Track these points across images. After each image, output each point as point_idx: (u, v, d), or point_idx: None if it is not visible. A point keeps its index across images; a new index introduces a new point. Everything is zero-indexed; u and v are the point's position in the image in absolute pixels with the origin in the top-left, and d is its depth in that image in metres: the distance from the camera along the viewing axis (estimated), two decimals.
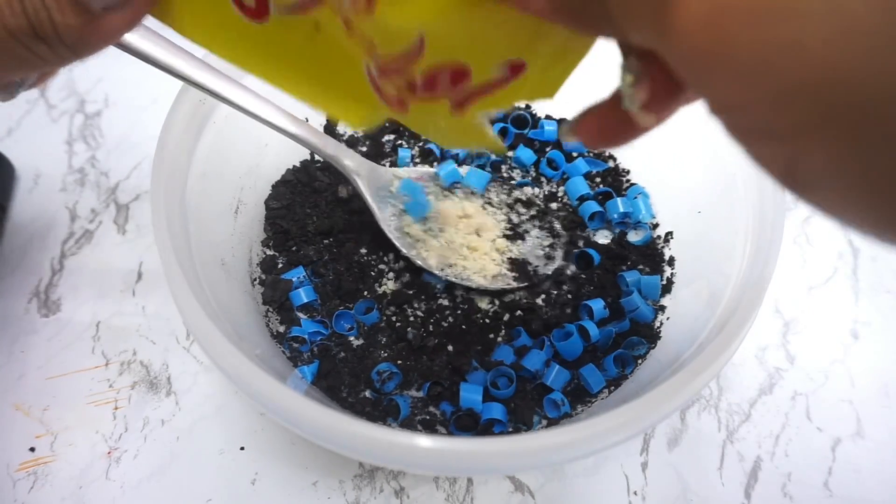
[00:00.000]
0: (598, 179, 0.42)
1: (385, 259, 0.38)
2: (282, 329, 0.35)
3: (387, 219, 0.36)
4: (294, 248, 0.38)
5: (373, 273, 0.37)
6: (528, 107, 0.44)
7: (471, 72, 0.20)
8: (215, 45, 0.21)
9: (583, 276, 0.38)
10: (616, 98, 0.18)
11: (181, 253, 0.28)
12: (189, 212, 0.30)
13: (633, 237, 0.40)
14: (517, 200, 0.39)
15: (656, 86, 0.16)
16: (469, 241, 0.37)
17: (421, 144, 0.43)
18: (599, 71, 0.21)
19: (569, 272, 0.38)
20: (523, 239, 0.38)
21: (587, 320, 0.35)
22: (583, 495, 0.34)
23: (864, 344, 0.39)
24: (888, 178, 0.12)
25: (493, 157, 0.42)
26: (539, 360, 0.34)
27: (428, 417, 0.33)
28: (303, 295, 0.36)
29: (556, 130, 0.43)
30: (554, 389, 0.33)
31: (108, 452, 0.34)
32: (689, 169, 0.37)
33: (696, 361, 0.25)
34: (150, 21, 0.20)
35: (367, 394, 0.34)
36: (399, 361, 0.34)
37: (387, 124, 0.43)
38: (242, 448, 0.34)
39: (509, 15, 0.17)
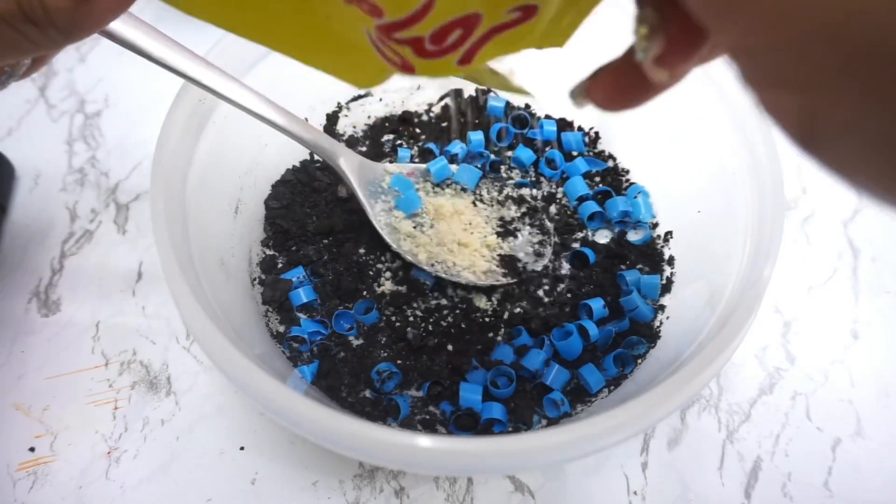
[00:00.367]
0: (597, 179, 0.42)
1: (384, 259, 0.38)
2: (281, 329, 0.35)
3: (377, 214, 0.37)
4: (294, 248, 0.38)
5: (371, 273, 0.37)
6: (527, 106, 0.44)
7: (482, 18, 0.19)
8: (214, 14, 0.20)
9: (582, 275, 0.38)
10: (629, 56, 0.18)
11: (180, 253, 0.28)
12: (188, 211, 0.30)
13: (633, 236, 0.40)
14: (508, 197, 0.39)
15: (671, 38, 0.16)
16: (459, 237, 0.37)
17: (420, 144, 0.43)
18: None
19: (565, 271, 0.38)
20: (514, 236, 0.38)
21: (586, 319, 0.35)
22: (583, 495, 0.33)
23: (864, 344, 0.39)
24: None
25: (493, 157, 0.42)
26: (539, 360, 0.34)
27: (428, 417, 0.33)
28: (302, 295, 0.36)
29: (556, 130, 0.43)
30: (554, 389, 0.33)
31: (108, 452, 0.34)
32: (688, 168, 0.37)
33: (696, 361, 0.25)
34: (147, 13, 0.20)
35: (367, 393, 0.34)
36: (399, 361, 0.35)
37: (386, 124, 0.43)
38: (242, 448, 0.34)
39: None
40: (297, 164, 0.41)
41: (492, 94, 0.44)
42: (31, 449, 0.34)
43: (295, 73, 0.26)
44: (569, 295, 0.37)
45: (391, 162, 0.42)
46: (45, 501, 0.33)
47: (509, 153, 0.43)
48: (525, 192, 0.40)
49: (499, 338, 0.35)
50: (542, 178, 0.42)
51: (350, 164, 0.36)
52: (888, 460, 0.35)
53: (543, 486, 0.34)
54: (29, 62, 0.24)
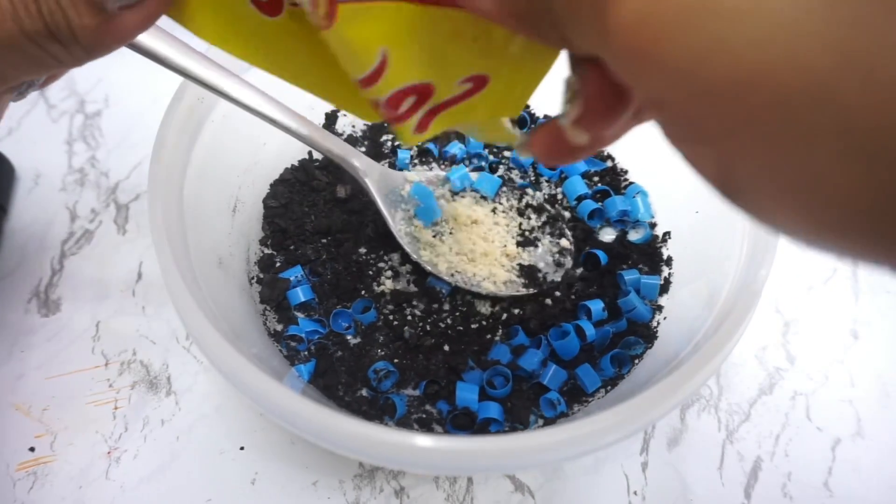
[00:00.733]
0: (596, 179, 0.42)
1: (384, 258, 0.38)
2: (279, 328, 0.35)
3: (397, 223, 0.36)
4: (292, 248, 0.38)
5: (370, 272, 0.37)
6: (527, 106, 0.44)
7: (434, 89, 0.20)
8: (230, 43, 0.21)
9: (584, 275, 0.38)
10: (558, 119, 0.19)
11: (178, 252, 0.28)
12: (186, 210, 0.30)
13: (633, 236, 0.40)
14: (528, 206, 0.39)
15: (591, 103, 0.17)
16: (479, 246, 0.37)
17: (419, 144, 0.43)
18: None
19: (577, 273, 0.38)
20: (534, 245, 0.38)
21: (584, 320, 0.35)
22: (583, 495, 0.33)
23: (864, 344, 0.39)
24: (817, 181, 0.11)
25: (491, 157, 0.42)
26: (535, 360, 0.34)
27: (424, 416, 0.33)
28: (300, 294, 0.36)
29: None
30: (551, 389, 0.33)
31: (108, 452, 0.34)
32: (686, 168, 0.37)
33: (693, 361, 0.25)
34: (160, 20, 0.20)
35: (364, 392, 0.34)
36: (396, 360, 0.35)
37: (385, 124, 0.43)
38: (242, 448, 0.34)
39: (466, 24, 0.18)
40: (296, 164, 0.41)
41: None
42: (31, 449, 0.34)
43: None
44: (572, 296, 0.37)
45: (391, 162, 0.42)
46: (45, 501, 0.33)
47: (508, 154, 0.43)
48: (539, 196, 0.40)
49: (496, 338, 0.35)
50: (541, 179, 0.42)
51: (371, 173, 0.35)
52: (888, 460, 0.35)
53: (543, 486, 0.34)
54: (46, 75, 0.24)
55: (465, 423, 0.33)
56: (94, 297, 0.39)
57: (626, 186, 0.41)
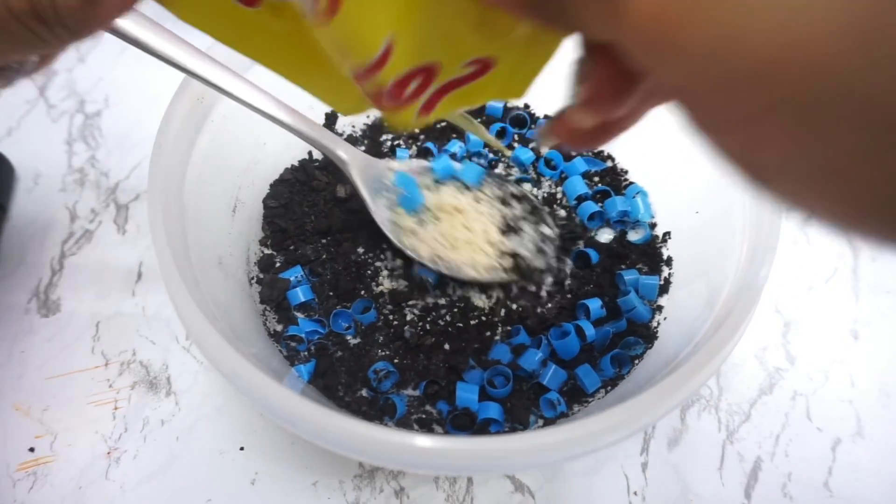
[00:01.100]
0: (596, 179, 0.42)
1: (382, 257, 0.38)
2: (279, 328, 0.35)
3: (380, 210, 0.36)
4: (292, 248, 0.38)
5: (370, 272, 0.37)
6: (526, 106, 0.44)
7: (440, 69, 0.20)
8: (211, 28, 0.21)
9: (582, 274, 0.38)
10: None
11: (178, 252, 0.28)
12: (186, 210, 0.30)
13: (633, 236, 0.40)
14: (511, 195, 0.39)
15: (599, 86, 0.17)
16: (462, 233, 0.37)
17: (418, 144, 0.43)
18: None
19: (568, 270, 0.38)
20: (516, 233, 0.38)
21: (583, 320, 0.35)
22: (583, 495, 0.33)
23: (864, 344, 0.39)
24: (842, 166, 0.12)
25: (491, 155, 0.42)
26: (535, 360, 0.34)
27: (424, 416, 0.33)
28: (300, 294, 0.36)
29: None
30: (551, 389, 0.33)
31: (108, 452, 0.34)
32: (686, 169, 0.37)
33: (693, 361, 0.25)
34: (149, 9, 0.20)
35: (364, 392, 0.34)
36: (396, 360, 0.35)
37: (385, 124, 0.43)
38: (242, 448, 0.34)
39: (471, 10, 0.18)
40: (296, 164, 0.41)
41: None
42: (31, 449, 0.34)
43: None
44: (569, 295, 0.37)
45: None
46: (45, 501, 0.33)
47: (508, 153, 0.43)
48: (527, 186, 0.40)
49: (496, 337, 0.35)
50: (542, 178, 0.42)
51: (354, 161, 0.36)
52: (888, 460, 0.35)
53: (543, 486, 0.34)
54: (36, 60, 0.24)
55: (465, 423, 0.33)
56: (94, 297, 0.39)
57: (626, 186, 0.41)
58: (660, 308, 0.36)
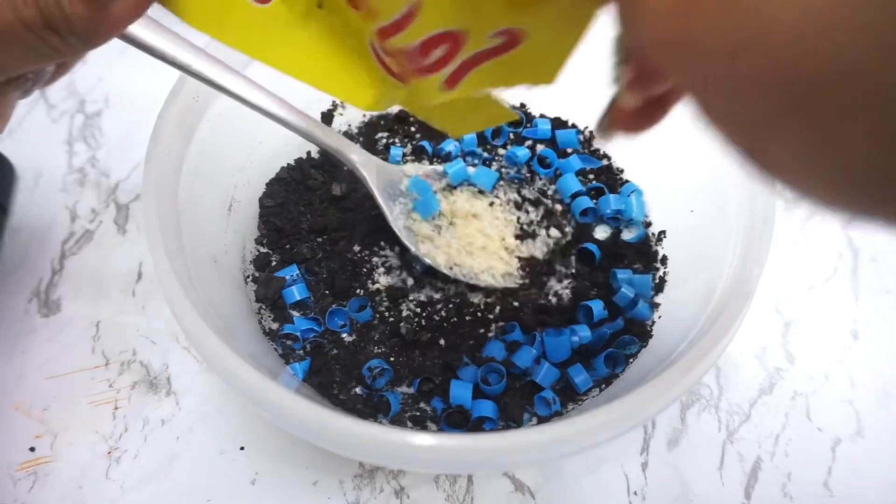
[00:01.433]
0: (591, 177, 0.42)
1: (379, 254, 0.38)
2: (274, 327, 0.35)
3: (396, 216, 0.36)
4: (287, 246, 0.38)
5: (365, 270, 0.37)
6: (522, 105, 0.44)
7: (467, 38, 0.19)
8: (219, 31, 0.21)
9: (581, 273, 0.38)
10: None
11: (173, 250, 0.28)
12: (181, 209, 0.30)
13: (626, 235, 0.40)
14: (525, 199, 0.39)
15: (641, 65, 0.17)
16: (477, 239, 0.37)
17: (413, 142, 0.43)
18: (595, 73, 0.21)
19: (570, 269, 0.38)
20: (532, 238, 0.38)
21: (581, 325, 0.35)
22: (583, 495, 0.33)
23: (864, 344, 0.39)
24: (856, 165, 0.12)
25: (485, 155, 0.42)
26: (529, 358, 0.34)
27: (418, 414, 0.33)
28: (296, 293, 0.36)
29: (550, 129, 0.43)
30: (544, 388, 0.33)
31: (108, 452, 0.34)
32: (681, 168, 0.37)
33: (688, 357, 0.25)
34: (153, 11, 0.20)
35: (359, 390, 0.34)
36: (391, 358, 0.35)
37: (382, 122, 0.43)
38: (242, 448, 0.34)
39: None
40: (292, 163, 0.41)
41: None
42: (32, 449, 0.34)
43: None
44: (569, 294, 0.37)
45: (384, 158, 0.42)
46: (45, 501, 0.33)
47: (502, 151, 0.43)
48: (538, 189, 0.40)
49: (490, 333, 0.35)
50: (536, 177, 0.42)
51: (369, 168, 0.35)
52: (888, 460, 0.35)
53: (543, 486, 0.34)
54: (52, 69, 0.24)
55: (460, 420, 0.33)
56: (94, 297, 0.39)
57: (621, 185, 0.41)
58: (655, 306, 0.36)
